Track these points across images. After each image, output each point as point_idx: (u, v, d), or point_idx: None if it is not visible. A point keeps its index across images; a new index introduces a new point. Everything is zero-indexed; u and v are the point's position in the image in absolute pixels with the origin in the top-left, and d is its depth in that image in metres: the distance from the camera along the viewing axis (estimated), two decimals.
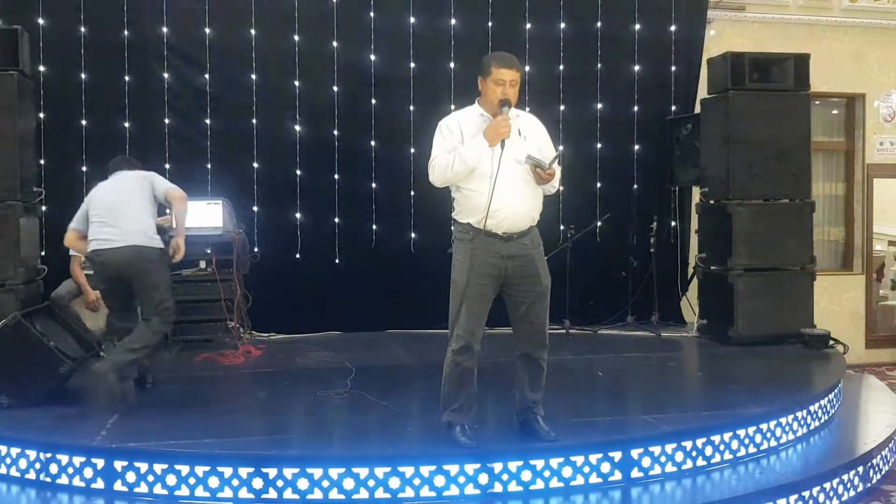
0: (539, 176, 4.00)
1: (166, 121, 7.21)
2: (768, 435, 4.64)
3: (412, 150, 7.51)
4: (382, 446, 4.23)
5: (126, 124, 7.12)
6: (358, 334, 7.34)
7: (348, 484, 3.88)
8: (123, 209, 5.07)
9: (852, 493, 4.53)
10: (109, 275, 5.07)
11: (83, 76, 7.05)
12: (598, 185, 7.92)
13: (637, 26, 7.92)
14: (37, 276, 6.40)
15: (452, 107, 7.10)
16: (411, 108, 7.56)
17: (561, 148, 4.21)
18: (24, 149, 6.23)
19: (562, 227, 7.53)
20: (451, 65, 7.60)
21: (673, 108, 8.05)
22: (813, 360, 6.32)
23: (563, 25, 7.81)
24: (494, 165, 3.90)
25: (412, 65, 7.57)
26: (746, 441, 4.53)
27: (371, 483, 3.89)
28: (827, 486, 4.37)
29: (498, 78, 4.02)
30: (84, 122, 7.07)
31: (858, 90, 8.80)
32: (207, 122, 7.27)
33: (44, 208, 6.77)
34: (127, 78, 7.11)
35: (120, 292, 5.16)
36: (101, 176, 6.71)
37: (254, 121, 7.31)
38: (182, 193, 5.24)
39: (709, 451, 4.37)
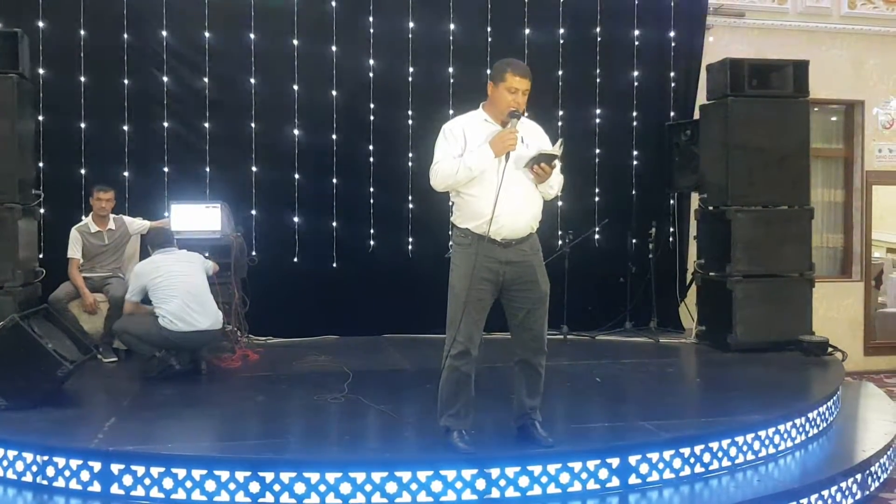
0: (543, 171, 3.95)
1: (165, 124, 7.20)
2: (766, 442, 4.64)
3: (410, 155, 7.51)
4: (379, 451, 4.22)
5: (125, 128, 7.11)
6: (355, 338, 7.31)
7: (345, 488, 3.87)
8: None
9: (850, 500, 4.52)
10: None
11: (82, 79, 7.03)
12: (597, 191, 7.92)
13: (636, 32, 7.93)
14: (35, 278, 6.40)
15: (451, 111, 7.13)
16: (410, 112, 7.56)
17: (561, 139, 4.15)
18: (23, 151, 6.23)
19: (560, 233, 7.53)
20: (450, 70, 7.59)
21: (672, 113, 8.05)
22: (811, 367, 6.32)
23: (562, 31, 7.82)
24: (499, 176, 3.90)
25: (411, 70, 7.57)
26: (745, 448, 4.52)
27: (368, 488, 3.88)
28: (825, 493, 4.36)
29: (511, 86, 4.00)
30: (83, 125, 7.05)
31: (857, 97, 8.81)
32: (206, 125, 7.25)
33: (42, 211, 6.77)
34: (126, 81, 7.10)
35: None
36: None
37: (252, 125, 7.30)
38: None
39: (707, 458, 4.37)
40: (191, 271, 5.93)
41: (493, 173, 3.94)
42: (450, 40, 7.61)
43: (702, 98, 7.70)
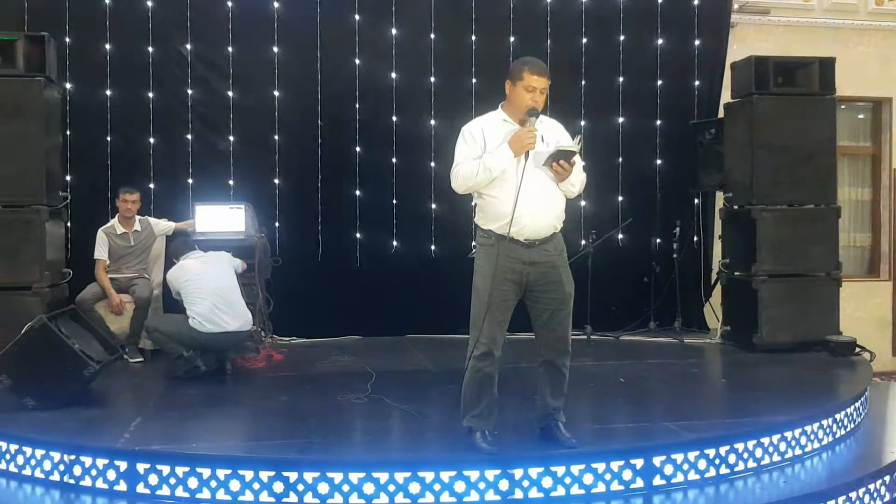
0: (563, 169, 3.92)
1: (189, 136, 7.29)
2: (793, 443, 4.59)
3: (433, 154, 7.53)
4: (402, 451, 4.23)
5: (151, 140, 7.22)
6: (378, 339, 7.34)
7: (368, 488, 3.88)
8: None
9: (879, 503, 4.46)
10: None
11: (108, 93, 7.14)
12: (621, 190, 7.88)
13: (660, 42, 7.89)
14: (62, 279, 6.46)
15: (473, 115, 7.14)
16: (432, 122, 7.58)
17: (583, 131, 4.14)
18: (51, 154, 6.29)
19: (583, 233, 7.50)
20: (473, 81, 7.57)
21: (695, 111, 7.98)
22: (838, 367, 6.24)
23: (584, 41, 7.78)
24: (518, 175, 3.88)
25: (433, 80, 7.56)
26: (770, 449, 4.48)
27: (391, 488, 3.88)
28: (853, 495, 4.31)
29: (529, 84, 3.98)
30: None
31: (885, 94, 8.72)
32: (231, 126, 7.33)
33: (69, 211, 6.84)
34: (150, 95, 7.22)
35: None
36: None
37: (276, 136, 7.37)
38: None
39: (732, 458, 4.33)
40: (219, 272, 5.97)
41: (514, 174, 3.92)
42: (472, 50, 7.60)
43: (726, 96, 7.64)
